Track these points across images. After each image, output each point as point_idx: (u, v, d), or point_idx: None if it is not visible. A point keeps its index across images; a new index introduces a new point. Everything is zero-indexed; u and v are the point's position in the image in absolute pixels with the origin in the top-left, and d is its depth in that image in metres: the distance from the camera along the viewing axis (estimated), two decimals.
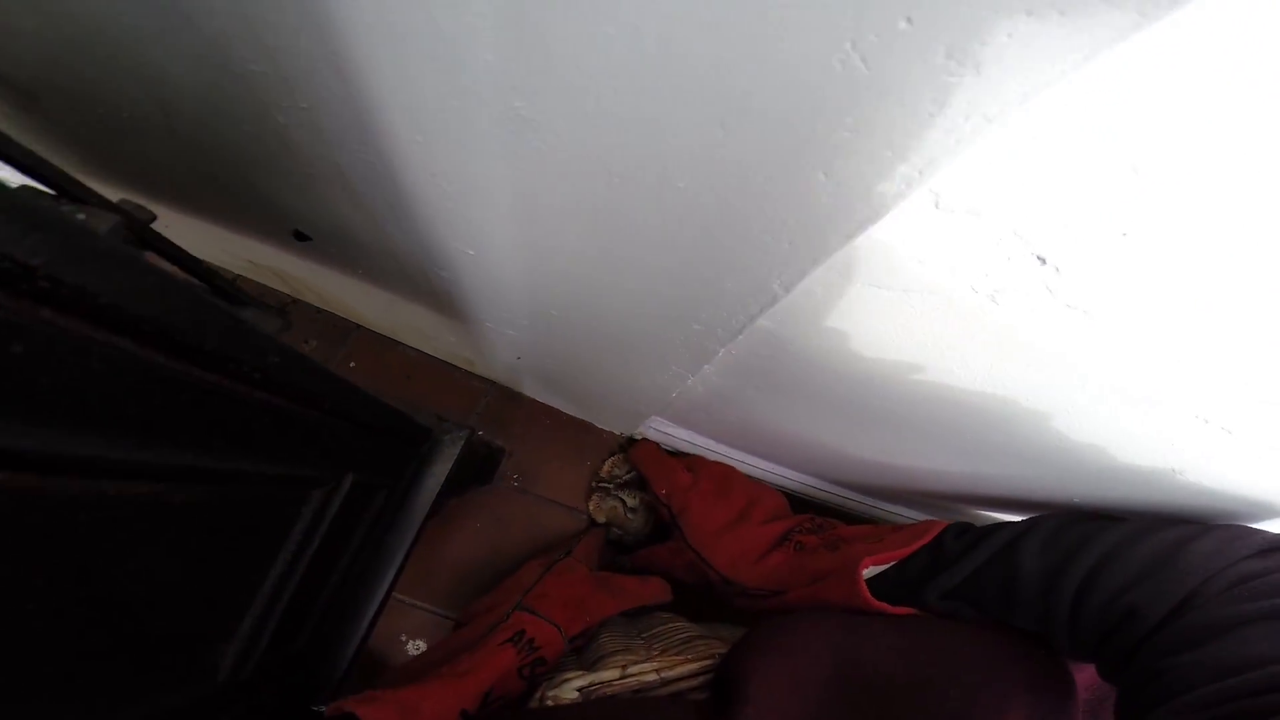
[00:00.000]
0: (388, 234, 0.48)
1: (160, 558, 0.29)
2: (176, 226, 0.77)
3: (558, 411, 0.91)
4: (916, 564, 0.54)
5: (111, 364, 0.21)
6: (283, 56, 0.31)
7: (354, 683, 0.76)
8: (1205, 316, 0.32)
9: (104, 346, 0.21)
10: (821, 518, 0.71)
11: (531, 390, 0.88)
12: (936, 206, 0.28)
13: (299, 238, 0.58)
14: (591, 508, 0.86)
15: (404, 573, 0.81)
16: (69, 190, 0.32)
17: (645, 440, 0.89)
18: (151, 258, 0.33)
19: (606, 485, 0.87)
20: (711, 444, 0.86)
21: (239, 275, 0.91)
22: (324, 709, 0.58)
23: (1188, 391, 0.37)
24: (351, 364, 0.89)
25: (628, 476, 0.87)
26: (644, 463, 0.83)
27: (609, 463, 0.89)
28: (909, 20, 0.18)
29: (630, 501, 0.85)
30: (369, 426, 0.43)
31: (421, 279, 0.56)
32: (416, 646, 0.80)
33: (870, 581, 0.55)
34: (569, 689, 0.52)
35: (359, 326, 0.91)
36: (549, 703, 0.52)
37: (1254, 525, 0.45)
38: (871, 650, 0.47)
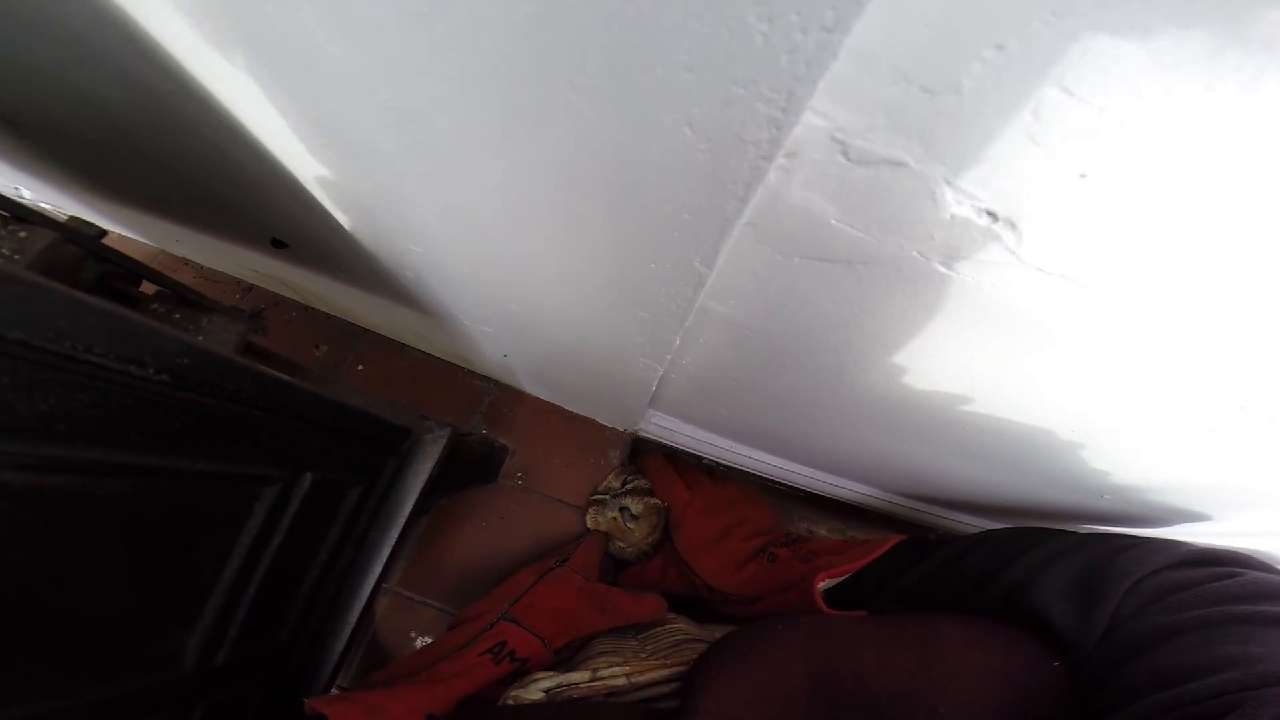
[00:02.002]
0: (346, 236, 0.48)
1: (90, 549, 0.29)
2: (189, 242, 0.81)
3: (560, 409, 0.91)
4: (872, 574, 0.59)
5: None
6: (181, 74, 0.31)
7: (353, 676, 0.78)
8: (1203, 279, 0.28)
9: None
10: (798, 534, 0.77)
11: (531, 388, 0.88)
12: (847, 157, 0.25)
13: (277, 245, 0.60)
14: (589, 521, 0.84)
15: (410, 570, 0.83)
16: (16, 211, 0.34)
17: (653, 453, 0.91)
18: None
19: (603, 497, 0.85)
20: (715, 438, 0.84)
21: (253, 285, 0.95)
22: (306, 708, 0.59)
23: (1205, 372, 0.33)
24: (360, 367, 0.92)
25: (629, 485, 0.85)
26: (650, 472, 0.87)
27: (608, 477, 0.88)
28: None
29: (635, 508, 0.83)
30: (326, 426, 0.43)
31: (393, 280, 0.56)
32: (424, 642, 0.82)
33: (830, 591, 0.60)
34: (535, 689, 0.51)
35: (366, 331, 0.93)
36: (510, 702, 0.51)
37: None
38: (851, 660, 0.45)
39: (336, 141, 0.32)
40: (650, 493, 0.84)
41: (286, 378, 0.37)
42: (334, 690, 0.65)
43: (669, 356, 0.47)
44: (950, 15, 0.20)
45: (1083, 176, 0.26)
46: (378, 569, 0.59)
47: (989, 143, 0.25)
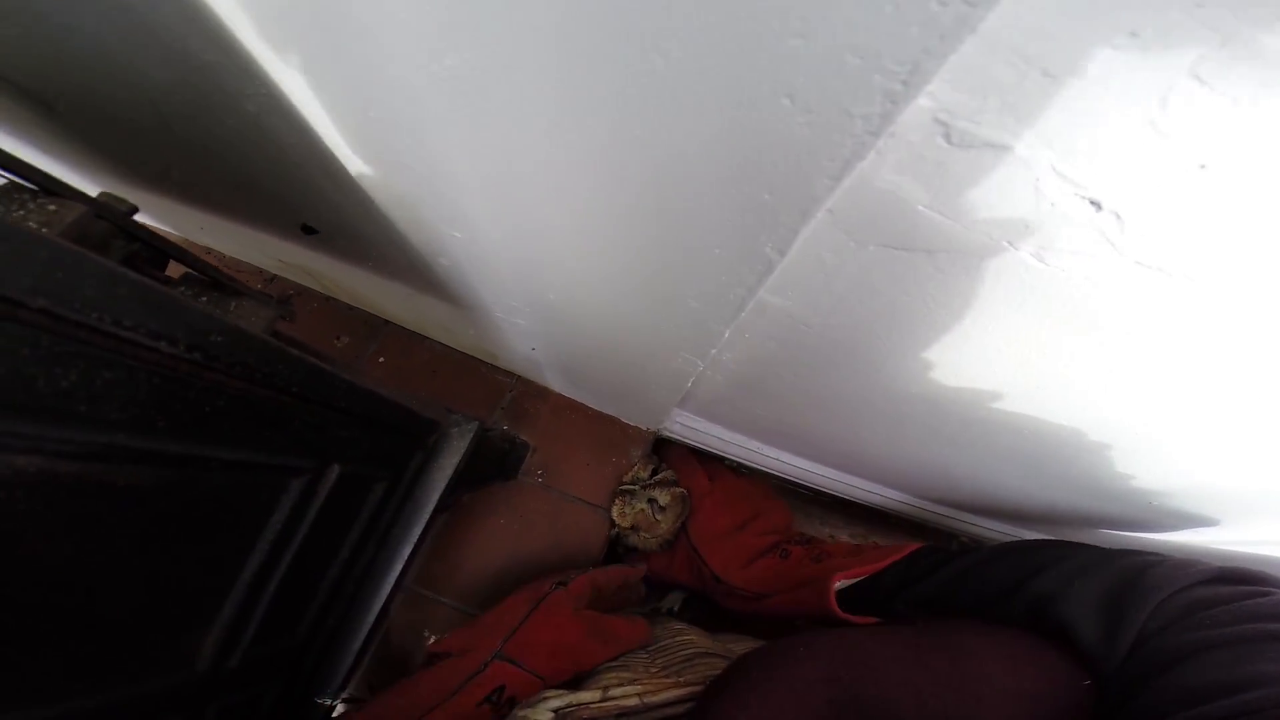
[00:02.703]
0: (381, 221, 0.46)
1: (106, 543, 0.27)
2: (213, 230, 0.80)
3: (583, 407, 0.88)
4: (889, 578, 0.57)
5: (13, 338, 0.20)
6: (227, 42, 0.29)
7: (367, 676, 0.76)
8: None
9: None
10: (813, 536, 0.77)
11: (556, 384, 0.86)
12: (949, 140, 0.23)
13: (307, 231, 0.58)
14: (615, 514, 0.82)
15: (426, 567, 0.81)
16: (46, 185, 0.32)
17: (675, 445, 0.90)
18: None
19: (631, 488, 0.83)
20: (742, 439, 0.81)
21: (275, 275, 0.94)
22: (329, 701, 0.57)
23: None
24: (381, 359, 0.90)
25: (658, 476, 0.84)
26: (673, 461, 0.87)
27: (634, 468, 0.86)
28: None
29: (662, 499, 0.81)
30: (355, 415, 0.41)
31: (425, 268, 0.54)
32: (436, 641, 0.80)
33: (843, 593, 0.59)
34: (543, 710, 0.49)
35: (388, 323, 0.92)
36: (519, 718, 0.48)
37: None
38: (873, 681, 0.43)
39: (387, 115, 0.30)
40: (676, 483, 0.83)
41: (319, 362, 0.35)
42: (345, 695, 0.62)
43: (713, 351, 0.44)
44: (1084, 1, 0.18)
45: (1202, 168, 0.23)
46: (399, 567, 0.57)
47: (1106, 129, 0.23)
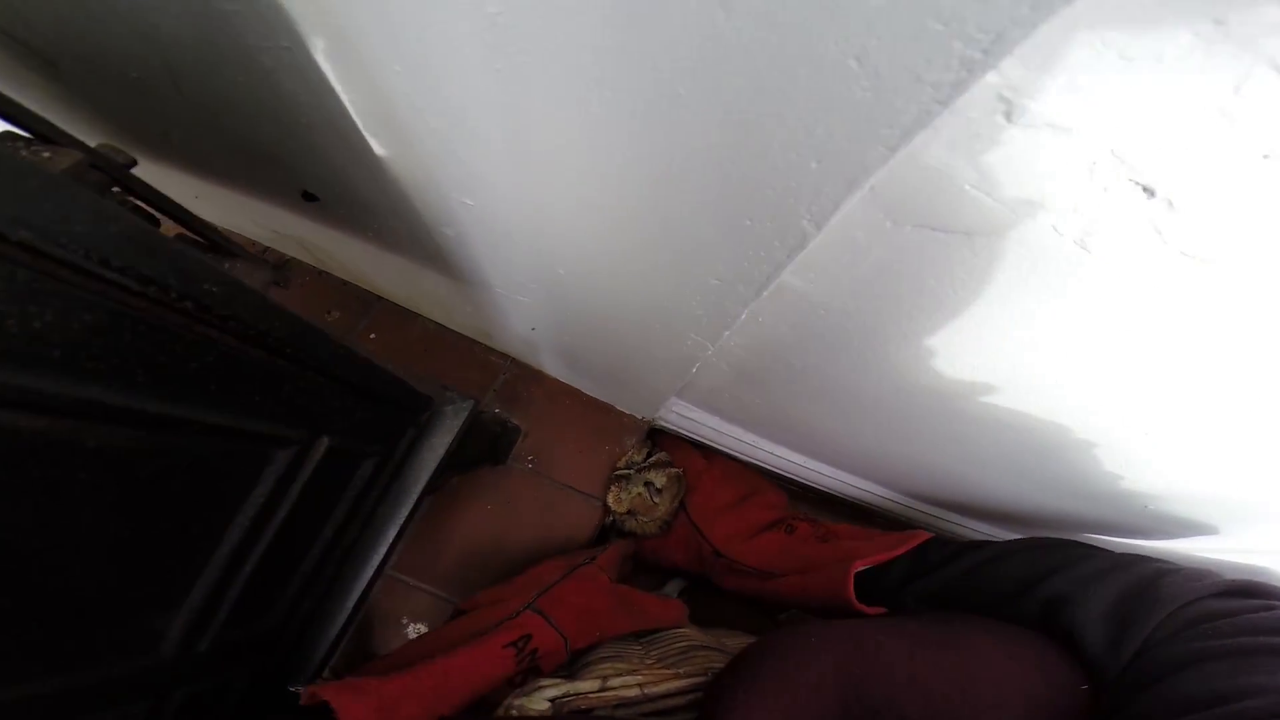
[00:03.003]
0: (389, 188, 0.44)
1: (72, 510, 0.25)
2: (209, 198, 0.76)
3: (578, 392, 0.87)
4: (898, 568, 0.57)
5: None
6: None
7: (341, 665, 0.74)
8: None
9: None
10: (814, 514, 0.78)
11: (551, 368, 0.84)
12: (1009, 118, 0.22)
13: (307, 198, 0.56)
14: (611, 500, 0.80)
15: (407, 552, 0.79)
16: (44, 134, 0.30)
17: (667, 434, 0.89)
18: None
19: (626, 473, 0.81)
20: (738, 431, 0.80)
21: (267, 247, 0.90)
22: (300, 689, 0.55)
23: None
24: (372, 335, 0.87)
25: (652, 459, 0.82)
26: (665, 446, 0.87)
27: (628, 453, 0.84)
28: None
29: (658, 481, 0.80)
30: (350, 385, 0.39)
31: (428, 239, 0.52)
32: (418, 630, 0.77)
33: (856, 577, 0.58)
34: (539, 699, 0.47)
35: (380, 299, 0.89)
36: (514, 713, 0.48)
37: None
38: (883, 678, 0.42)
39: (417, 66, 0.28)
40: (671, 464, 0.82)
41: (316, 325, 0.33)
42: (326, 674, 0.60)
43: (726, 334, 0.43)
44: None
45: (1266, 157, 0.23)
46: (383, 550, 0.55)
47: (1173, 114, 0.22)
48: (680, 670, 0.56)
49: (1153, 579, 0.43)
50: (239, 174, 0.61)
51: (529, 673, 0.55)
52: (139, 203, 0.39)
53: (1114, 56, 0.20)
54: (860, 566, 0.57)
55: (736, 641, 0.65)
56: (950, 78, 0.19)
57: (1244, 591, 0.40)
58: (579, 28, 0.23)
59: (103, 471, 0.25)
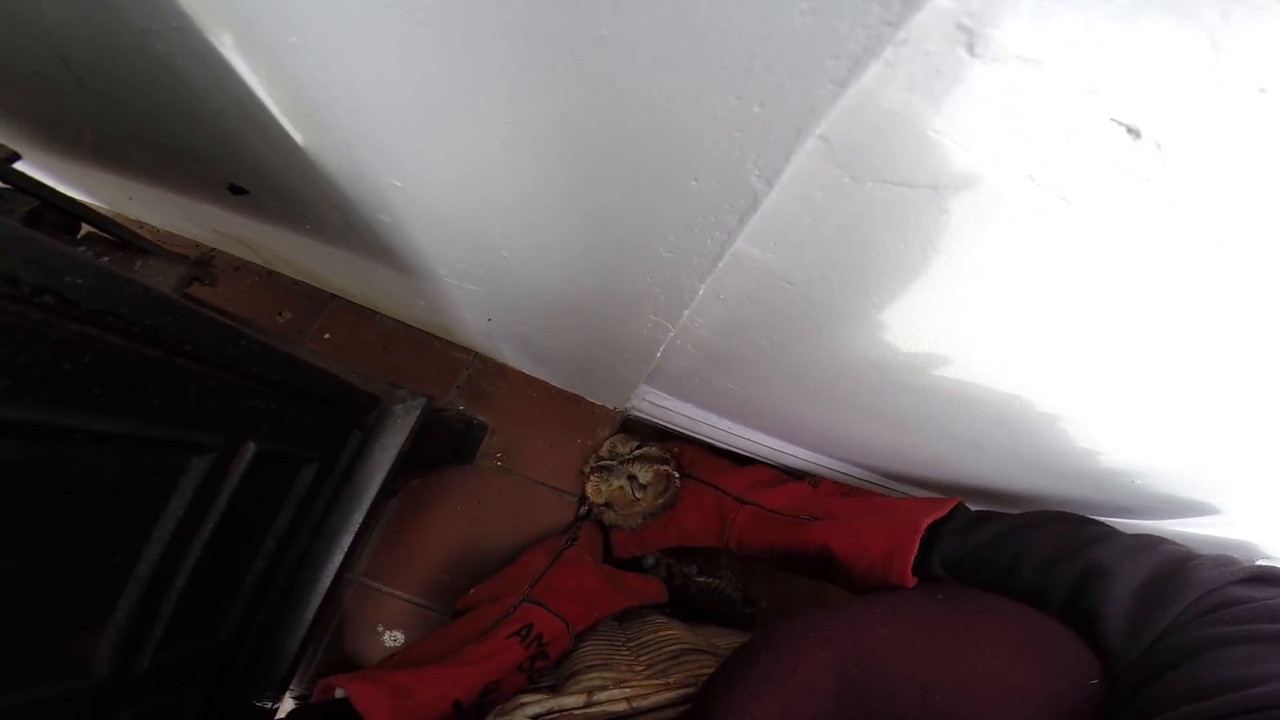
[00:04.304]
0: (313, 174, 0.41)
1: None
2: (143, 200, 0.72)
3: (545, 384, 0.84)
4: (927, 532, 0.55)
5: None
6: None
7: (312, 676, 0.71)
8: None
9: None
10: None
11: (515, 361, 0.81)
12: (971, 51, 0.19)
13: (235, 191, 0.52)
14: (590, 490, 0.77)
15: (377, 559, 0.75)
16: None
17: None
18: None
19: (609, 464, 0.78)
20: (713, 418, 0.78)
21: (213, 249, 0.85)
22: (269, 705, 0.52)
23: None
24: (327, 335, 0.83)
25: (639, 451, 0.79)
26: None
27: (608, 443, 0.81)
28: None
29: (643, 476, 0.76)
30: (274, 385, 0.36)
31: (365, 229, 0.48)
32: (394, 638, 0.74)
33: None
34: (521, 716, 0.45)
35: (335, 298, 0.85)
36: None
37: None
38: (882, 674, 0.41)
39: (312, 40, 0.25)
40: (662, 460, 0.77)
41: (222, 319, 0.30)
42: (289, 691, 0.58)
43: (685, 312, 0.40)
44: None
45: (1263, 91, 0.20)
46: (338, 558, 0.51)
47: (1157, 45, 0.19)
48: (670, 680, 0.54)
49: (1183, 561, 0.42)
50: (164, 171, 0.57)
51: (537, 657, 0.57)
52: (42, 201, 0.36)
53: None
54: (929, 521, 0.55)
55: (727, 641, 0.63)
56: None
57: (1268, 578, 0.40)
58: None
59: None
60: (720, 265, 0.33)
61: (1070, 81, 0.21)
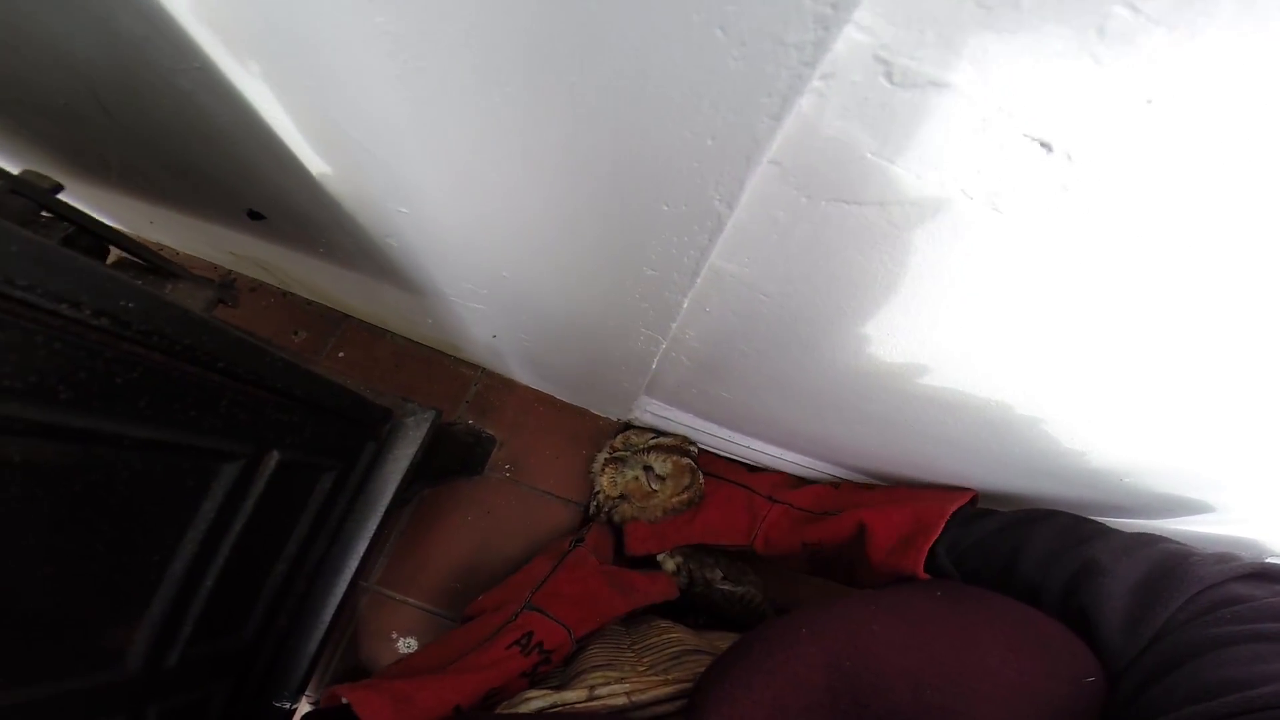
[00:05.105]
0: (326, 200, 0.45)
1: (7, 526, 0.25)
2: (164, 223, 0.76)
3: (551, 398, 0.87)
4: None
5: None
6: (156, 16, 0.28)
7: (330, 680, 0.73)
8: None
9: None
10: None
11: (522, 375, 0.84)
12: (890, 79, 0.22)
13: (253, 216, 0.56)
14: (605, 483, 0.77)
15: (391, 568, 0.78)
16: None
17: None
18: None
19: (623, 454, 0.78)
20: (713, 427, 0.80)
21: (231, 271, 0.90)
22: (287, 705, 0.55)
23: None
24: (340, 354, 0.87)
25: (654, 441, 0.78)
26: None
27: (622, 436, 0.81)
28: None
29: (660, 467, 0.75)
30: (296, 399, 0.39)
31: (375, 251, 0.52)
32: (407, 644, 0.77)
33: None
34: (526, 709, 0.47)
35: (347, 317, 0.89)
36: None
37: None
38: (874, 669, 0.41)
39: (325, 80, 0.29)
40: (681, 451, 0.76)
41: (251, 338, 0.33)
42: (306, 694, 0.60)
43: (673, 325, 0.43)
44: None
45: (1149, 102, 0.23)
46: (354, 564, 0.54)
47: (1048, 64, 0.22)
48: (670, 676, 0.56)
49: (1181, 558, 0.42)
50: (185, 196, 0.61)
51: (541, 663, 0.58)
52: (78, 227, 0.40)
53: (972, 4, 0.20)
54: (955, 507, 0.56)
55: (729, 644, 0.65)
56: (810, 37, 0.19)
57: (1269, 575, 0.40)
58: (462, 30, 0.23)
59: (34, 486, 0.25)
60: (699, 280, 0.36)
61: (983, 102, 0.24)
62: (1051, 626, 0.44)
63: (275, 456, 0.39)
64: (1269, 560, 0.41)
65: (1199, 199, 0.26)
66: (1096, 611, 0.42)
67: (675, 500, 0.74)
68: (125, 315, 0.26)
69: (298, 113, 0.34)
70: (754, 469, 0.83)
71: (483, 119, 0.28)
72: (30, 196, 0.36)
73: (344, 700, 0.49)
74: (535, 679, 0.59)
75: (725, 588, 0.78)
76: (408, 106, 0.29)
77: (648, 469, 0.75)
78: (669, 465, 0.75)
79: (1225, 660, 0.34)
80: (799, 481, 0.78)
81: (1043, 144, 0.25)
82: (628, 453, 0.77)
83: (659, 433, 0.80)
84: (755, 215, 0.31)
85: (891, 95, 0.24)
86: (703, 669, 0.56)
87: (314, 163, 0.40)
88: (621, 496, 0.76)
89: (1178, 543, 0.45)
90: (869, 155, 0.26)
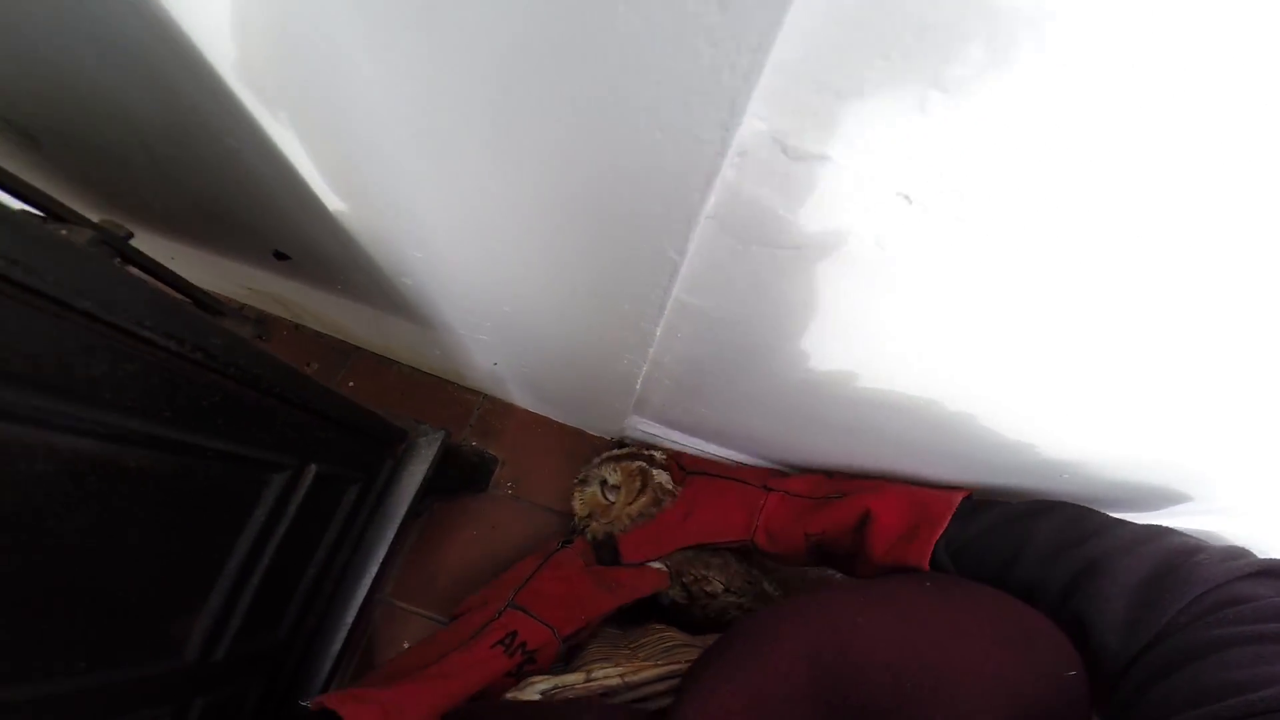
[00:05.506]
0: (349, 244, 0.52)
1: (116, 519, 0.32)
2: (185, 259, 0.84)
3: (548, 420, 0.94)
4: None
5: (60, 332, 0.25)
6: (214, 86, 0.36)
7: (348, 682, 0.79)
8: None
9: (52, 317, 0.25)
10: None
11: (520, 399, 0.91)
12: (786, 155, 0.30)
13: (279, 257, 0.64)
14: (576, 505, 0.81)
15: (403, 581, 0.84)
16: (54, 211, 0.37)
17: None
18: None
19: (583, 475, 0.82)
20: (699, 443, 0.87)
21: (243, 305, 0.98)
22: (309, 704, 0.60)
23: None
24: (351, 384, 0.95)
25: (605, 455, 0.80)
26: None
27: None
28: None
29: (612, 477, 0.76)
30: (331, 420, 0.47)
31: (390, 289, 0.60)
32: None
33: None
34: (531, 691, 0.53)
35: (356, 349, 0.96)
36: (508, 700, 0.52)
37: None
38: (855, 662, 0.42)
39: (355, 144, 0.36)
40: (633, 457, 0.76)
41: (300, 370, 0.41)
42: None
43: (651, 351, 0.51)
44: (847, 34, 0.25)
45: (973, 162, 0.30)
46: (374, 569, 0.61)
47: (892, 134, 0.28)
48: (659, 662, 0.62)
49: (1187, 556, 0.41)
50: (216, 237, 0.67)
51: (525, 662, 0.58)
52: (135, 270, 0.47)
53: (832, 96, 0.27)
54: (961, 498, 0.56)
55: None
56: (717, 136, 0.27)
57: (1277, 572, 0.39)
58: (469, 109, 0.31)
59: (139, 487, 0.32)
60: (667, 311, 0.43)
61: (855, 169, 0.31)
62: (1034, 620, 0.44)
63: (314, 469, 0.46)
64: (1278, 557, 0.40)
65: (1022, 223, 0.32)
66: (1094, 612, 0.41)
67: (635, 506, 0.73)
68: (214, 350, 0.33)
69: (333, 169, 0.41)
70: (745, 460, 0.83)
71: (486, 192, 0.36)
72: (112, 245, 0.43)
73: (331, 709, 0.47)
74: (521, 678, 0.59)
75: (731, 599, 0.75)
76: (419, 168, 0.37)
77: (603, 482, 0.77)
78: (619, 473, 0.75)
79: (1227, 662, 0.33)
80: (790, 472, 0.78)
81: (905, 197, 0.32)
82: (589, 471, 0.80)
83: (620, 444, 0.82)
84: (704, 259, 0.39)
85: (789, 166, 0.31)
86: (692, 658, 0.62)
87: (340, 209, 0.47)
88: (590, 515, 0.77)
89: (1185, 536, 0.44)
90: (780, 211, 0.34)
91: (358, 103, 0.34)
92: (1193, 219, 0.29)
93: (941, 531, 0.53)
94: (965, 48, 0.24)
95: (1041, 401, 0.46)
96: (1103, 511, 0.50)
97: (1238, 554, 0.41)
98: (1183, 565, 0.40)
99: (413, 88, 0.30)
